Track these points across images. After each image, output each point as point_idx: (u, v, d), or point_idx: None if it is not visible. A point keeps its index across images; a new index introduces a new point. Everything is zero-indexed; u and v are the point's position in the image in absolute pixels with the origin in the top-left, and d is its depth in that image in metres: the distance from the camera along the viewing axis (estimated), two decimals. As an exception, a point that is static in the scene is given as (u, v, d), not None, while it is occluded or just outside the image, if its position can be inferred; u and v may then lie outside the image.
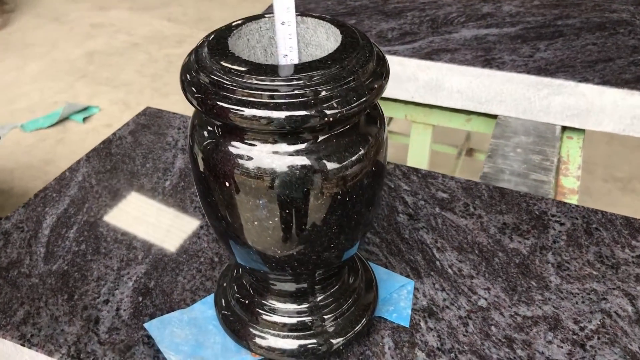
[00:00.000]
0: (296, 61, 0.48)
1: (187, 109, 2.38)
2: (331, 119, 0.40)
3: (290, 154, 0.41)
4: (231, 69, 0.40)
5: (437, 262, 0.64)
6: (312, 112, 0.39)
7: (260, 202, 0.43)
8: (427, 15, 1.17)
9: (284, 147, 0.41)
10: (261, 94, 0.39)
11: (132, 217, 0.70)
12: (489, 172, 0.91)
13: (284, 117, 0.39)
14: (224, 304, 0.57)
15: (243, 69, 0.40)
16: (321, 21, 0.47)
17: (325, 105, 0.39)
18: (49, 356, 0.55)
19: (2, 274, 0.63)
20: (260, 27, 0.47)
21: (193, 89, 0.41)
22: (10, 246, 0.67)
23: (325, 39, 0.47)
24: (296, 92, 0.39)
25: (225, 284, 0.58)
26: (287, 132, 0.40)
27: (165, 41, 2.98)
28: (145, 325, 0.58)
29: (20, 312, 0.59)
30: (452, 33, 1.10)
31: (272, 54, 0.49)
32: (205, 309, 0.59)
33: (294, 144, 0.41)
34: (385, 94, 1.09)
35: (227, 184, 0.43)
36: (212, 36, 0.45)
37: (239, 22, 0.46)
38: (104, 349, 0.55)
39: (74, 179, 0.77)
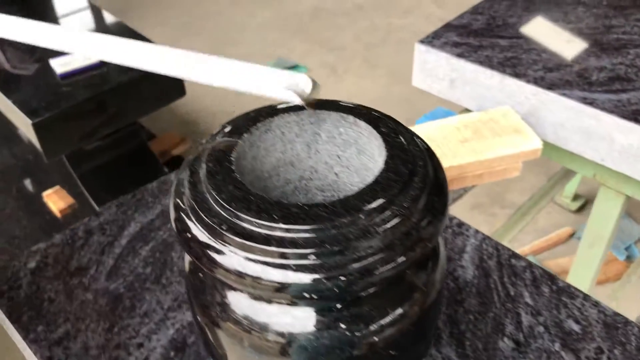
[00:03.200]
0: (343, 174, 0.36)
1: (393, 91, 2.29)
2: (359, 289, 0.29)
3: (296, 318, 0.31)
4: (224, 199, 0.30)
5: None
6: (314, 282, 0.28)
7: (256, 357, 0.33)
8: (656, 57, 0.92)
9: (285, 309, 0.31)
10: (244, 243, 0.29)
11: (208, 249, 0.65)
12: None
13: (269, 279, 0.28)
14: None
15: (240, 202, 0.30)
16: (374, 131, 0.34)
17: (333, 273, 0.28)
18: (62, 391, 0.53)
19: (65, 280, 0.62)
20: (302, 119, 0.36)
21: (174, 209, 0.32)
22: (86, 249, 0.65)
23: (378, 154, 0.34)
24: (293, 249, 0.28)
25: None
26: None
27: (391, 9, 2.88)
28: (161, 390, 0.52)
29: (61, 330, 0.57)
30: (681, 89, 0.85)
31: (318, 152, 0.37)
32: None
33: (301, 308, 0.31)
34: (569, 148, 0.89)
35: (210, 319, 0.34)
36: (227, 128, 0.35)
37: (270, 110, 0.36)
38: (107, 407, 0.51)
39: (175, 186, 0.73)
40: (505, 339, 0.56)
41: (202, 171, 0.32)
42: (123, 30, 1.55)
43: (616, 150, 0.83)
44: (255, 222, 0.29)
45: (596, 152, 0.86)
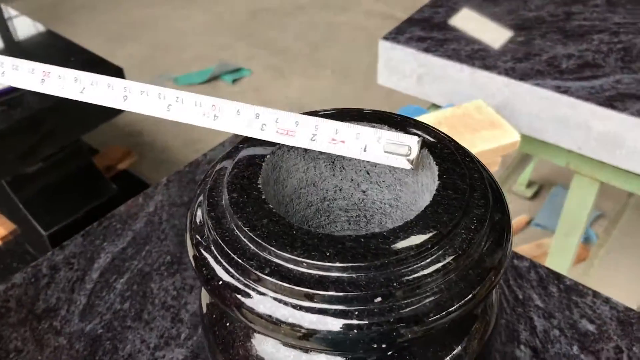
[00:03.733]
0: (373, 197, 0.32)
1: (342, 90, 2.26)
2: (412, 336, 0.24)
3: None
4: (261, 236, 0.25)
5: None
6: (383, 327, 0.23)
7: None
8: (620, 41, 0.92)
9: (323, 358, 0.26)
10: (293, 289, 0.24)
11: (190, 275, 0.59)
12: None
13: (330, 331, 0.24)
14: None
15: (281, 239, 0.25)
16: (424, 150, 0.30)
17: (405, 315, 0.24)
18: None
19: (32, 325, 0.55)
20: (327, 133, 0.32)
21: (196, 251, 0.27)
22: (53, 287, 0.59)
23: (421, 171, 0.30)
24: (357, 292, 0.24)
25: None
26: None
27: (329, 7, 2.85)
28: None
29: (33, 383, 0.51)
30: (649, 72, 0.85)
31: (343, 168, 0.33)
32: None
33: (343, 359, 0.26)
34: (545, 138, 0.88)
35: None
36: (245, 149, 0.30)
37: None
38: None
39: (145, 208, 0.67)
40: (522, 347, 0.53)
41: (225, 203, 0.27)
42: (59, 42, 1.45)
43: (593, 137, 0.82)
44: (305, 262, 0.24)
45: (573, 141, 0.85)
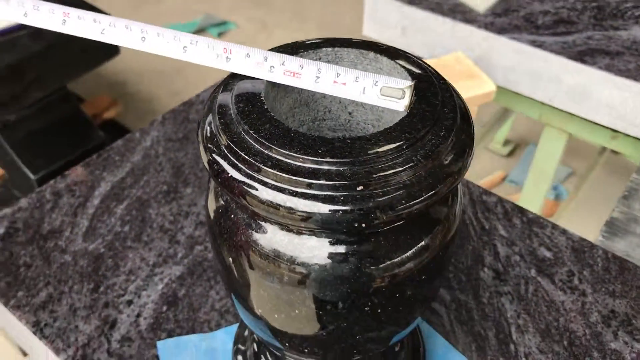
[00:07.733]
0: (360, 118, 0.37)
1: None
2: (388, 220, 0.29)
3: (323, 249, 0.31)
4: (265, 137, 0.30)
5: (512, 346, 0.52)
6: (363, 211, 0.28)
7: (279, 289, 0.34)
8: (595, 0, 0.96)
9: (313, 241, 0.31)
10: (291, 178, 0.29)
11: (186, 203, 0.64)
12: (618, 217, 0.74)
13: (321, 213, 0.29)
14: (241, 347, 0.50)
15: (281, 139, 0.30)
16: (397, 65, 0.35)
17: (381, 201, 0.29)
18: (55, 354, 0.51)
19: (39, 244, 0.60)
20: (320, 58, 0.36)
21: (208, 153, 0.32)
22: (57, 211, 0.63)
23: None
24: (343, 181, 0.29)
25: (249, 325, 0.51)
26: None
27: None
28: (158, 343, 0.52)
29: (42, 294, 0.55)
30: (619, 30, 0.90)
31: (328, 103, 0.38)
32: (227, 339, 0.52)
33: (329, 240, 0.31)
34: (519, 90, 0.93)
35: (238, 256, 0.34)
36: (242, 79, 0.34)
37: (290, 49, 0.36)
38: (107, 365, 0.50)
39: (142, 143, 0.71)
40: (486, 269, 0.59)
41: (233, 112, 0.31)
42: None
43: (564, 90, 0.88)
44: (301, 157, 0.29)
45: (545, 93, 0.90)
